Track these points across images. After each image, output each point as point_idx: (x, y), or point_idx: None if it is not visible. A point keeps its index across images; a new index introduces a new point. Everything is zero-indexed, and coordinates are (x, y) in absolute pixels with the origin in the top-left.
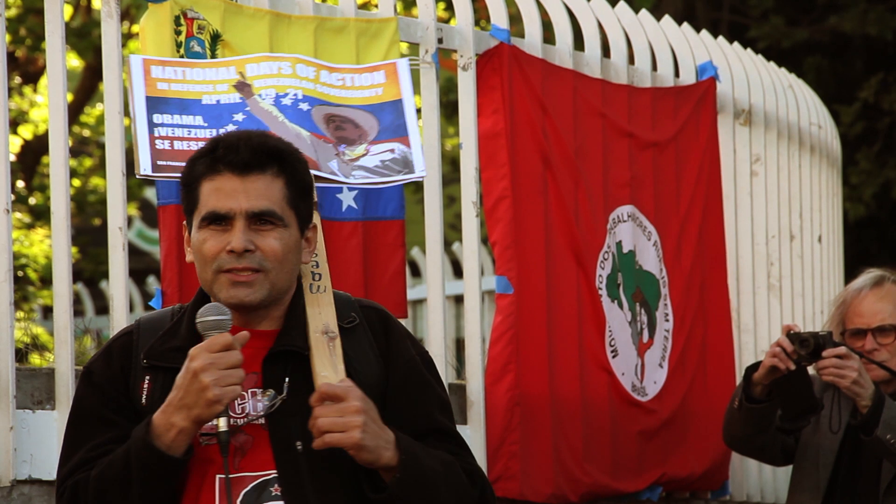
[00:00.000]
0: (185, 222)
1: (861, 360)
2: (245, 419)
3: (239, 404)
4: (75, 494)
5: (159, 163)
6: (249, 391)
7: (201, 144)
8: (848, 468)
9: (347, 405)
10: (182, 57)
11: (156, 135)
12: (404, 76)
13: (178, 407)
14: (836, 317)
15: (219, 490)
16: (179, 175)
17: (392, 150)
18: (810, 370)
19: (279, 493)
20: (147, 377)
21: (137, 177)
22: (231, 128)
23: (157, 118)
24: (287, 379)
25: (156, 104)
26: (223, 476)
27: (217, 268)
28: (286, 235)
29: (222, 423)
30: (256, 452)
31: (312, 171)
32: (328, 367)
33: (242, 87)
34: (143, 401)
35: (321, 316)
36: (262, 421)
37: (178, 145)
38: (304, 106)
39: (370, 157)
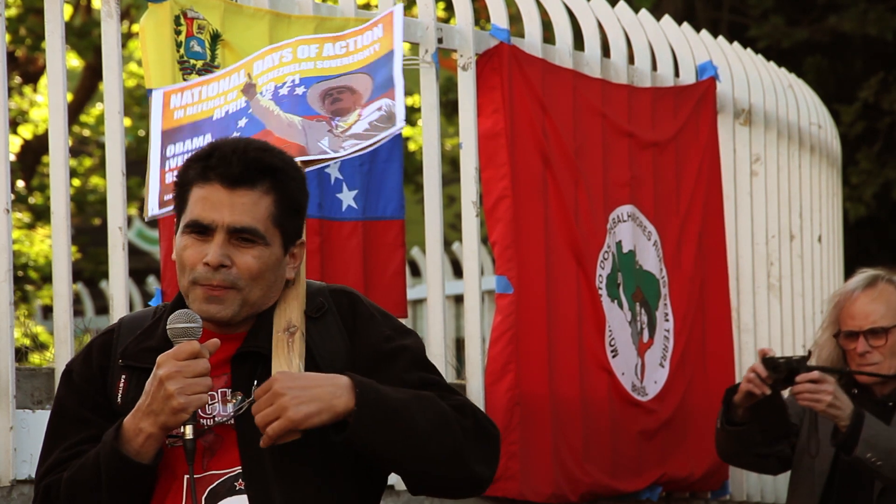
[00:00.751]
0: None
1: (861, 367)
2: (213, 421)
3: (209, 405)
4: (48, 496)
5: (166, 197)
6: (220, 391)
7: None
8: (843, 474)
9: (269, 394)
10: (182, 57)
11: (166, 168)
12: (398, 24)
13: (145, 413)
14: (831, 318)
15: (185, 489)
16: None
17: (380, 108)
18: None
19: (242, 488)
20: (123, 376)
21: (146, 220)
22: (235, 135)
23: (169, 150)
24: (256, 381)
25: (170, 136)
26: (195, 476)
27: (193, 279)
28: (266, 254)
29: (188, 431)
30: (224, 452)
31: (300, 158)
32: (284, 364)
33: (248, 88)
34: (119, 400)
35: (286, 312)
36: (231, 422)
37: None
38: (300, 90)
39: (361, 122)
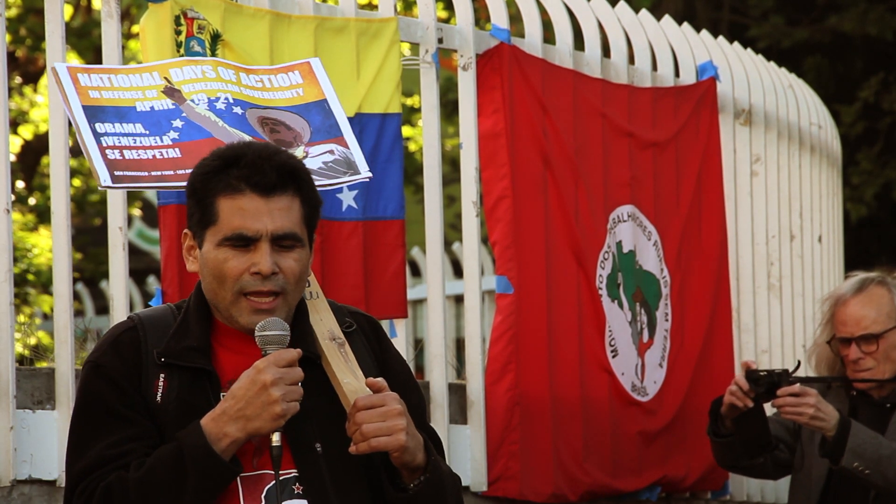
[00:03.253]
0: (186, 230)
1: (854, 373)
2: None
3: None
4: (109, 496)
5: (117, 173)
6: None
7: (150, 153)
8: (839, 479)
9: (389, 409)
10: (182, 57)
11: (103, 144)
12: (321, 75)
13: (234, 417)
14: (826, 321)
15: (242, 489)
16: (141, 185)
17: (332, 152)
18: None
19: (301, 492)
20: (162, 375)
21: (99, 188)
22: (172, 135)
23: (99, 127)
24: (302, 389)
25: (94, 113)
26: (244, 475)
27: (239, 289)
28: (303, 255)
29: (275, 438)
30: None
31: None
32: (348, 373)
33: (172, 92)
34: (158, 399)
35: (323, 322)
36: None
37: (128, 154)
38: (238, 110)
39: (311, 159)
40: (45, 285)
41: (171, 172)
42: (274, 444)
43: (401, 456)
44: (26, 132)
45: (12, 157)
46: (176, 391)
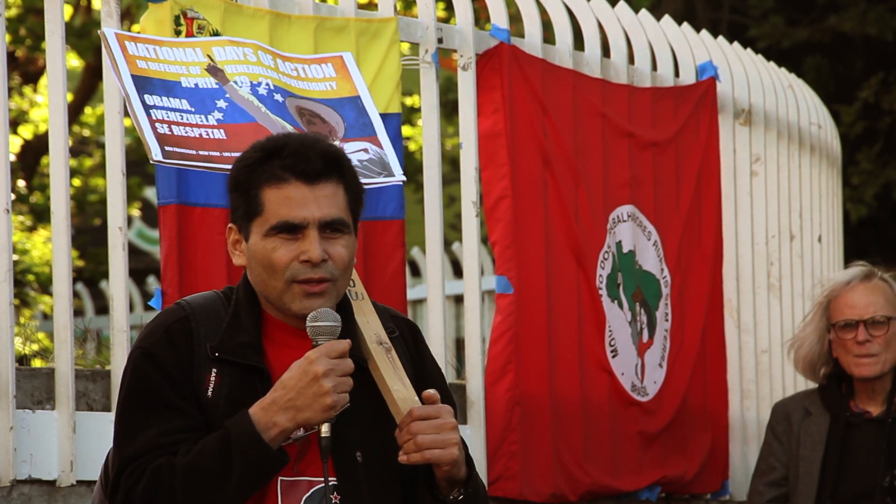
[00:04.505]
0: (231, 224)
1: (857, 357)
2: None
3: None
4: (157, 480)
5: (167, 148)
6: None
7: (197, 132)
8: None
9: (444, 422)
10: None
11: (153, 117)
12: (354, 71)
13: (284, 407)
14: (819, 311)
15: (281, 493)
16: (191, 164)
17: (366, 150)
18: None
19: (338, 502)
20: (214, 370)
21: (151, 162)
22: (217, 115)
23: (148, 99)
24: (352, 382)
25: (143, 84)
26: (285, 479)
27: (290, 277)
28: (350, 242)
29: (325, 429)
30: (314, 457)
31: None
32: (396, 381)
33: (216, 71)
34: (209, 394)
35: (370, 325)
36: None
37: (176, 130)
38: (278, 97)
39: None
40: (44, 285)
41: (218, 154)
42: (323, 434)
43: (450, 470)
44: (26, 132)
45: (12, 157)
46: (227, 387)
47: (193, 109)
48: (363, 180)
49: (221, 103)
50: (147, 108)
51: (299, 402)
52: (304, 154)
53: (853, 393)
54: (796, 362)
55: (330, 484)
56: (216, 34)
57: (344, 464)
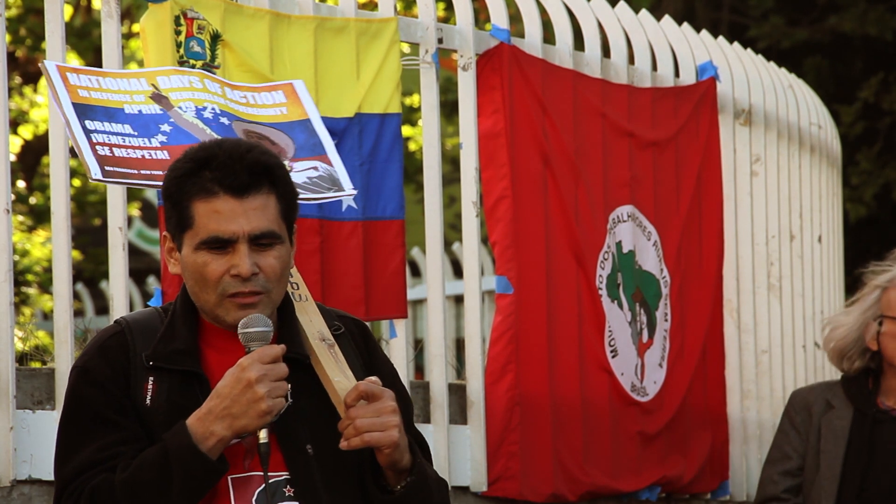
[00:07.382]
0: (165, 233)
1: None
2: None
3: None
4: (94, 498)
5: (107, 168)
6: None
7: (139, 153)
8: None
9: (384, 405)
10: (182, 57)
11: (94, 140)
12: (304, 96)
13: (220, 416)
14: (871, 298)
15: (233, 490)
16: (130, 182)
17: (315, 168)
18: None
19: (292, 495)
20: (150, 378)
21: (90, 181)
22: (161, 138)
23: (89, 124)
24: (289, 385)
25: (84, 110)
26: (236, 476)
27: (222, 292)
28: (283, 252)
29: (263, 435)
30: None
31: None
32: (338, 373)
33: (160, 98)
34: (148, 402)
35: (313, 324)
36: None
37: (117, 152)
38: (224, 120)
39: (295, 173)
40: (44, 285)
41: (160, 172)
42: (261, 441)
43: (391, 454)
44: (26, 132)
45: (12, 157)
46: (165, 394)
47: (136, 133)
48: (312, 195)
49: (165, 127)
50: (87, 132)
51: (234, 409)
52: (232, 167)
53: (879, 389)
54: (826, 342)
55: (282, 478)
56: (216, 35)
57: (294, 457)
